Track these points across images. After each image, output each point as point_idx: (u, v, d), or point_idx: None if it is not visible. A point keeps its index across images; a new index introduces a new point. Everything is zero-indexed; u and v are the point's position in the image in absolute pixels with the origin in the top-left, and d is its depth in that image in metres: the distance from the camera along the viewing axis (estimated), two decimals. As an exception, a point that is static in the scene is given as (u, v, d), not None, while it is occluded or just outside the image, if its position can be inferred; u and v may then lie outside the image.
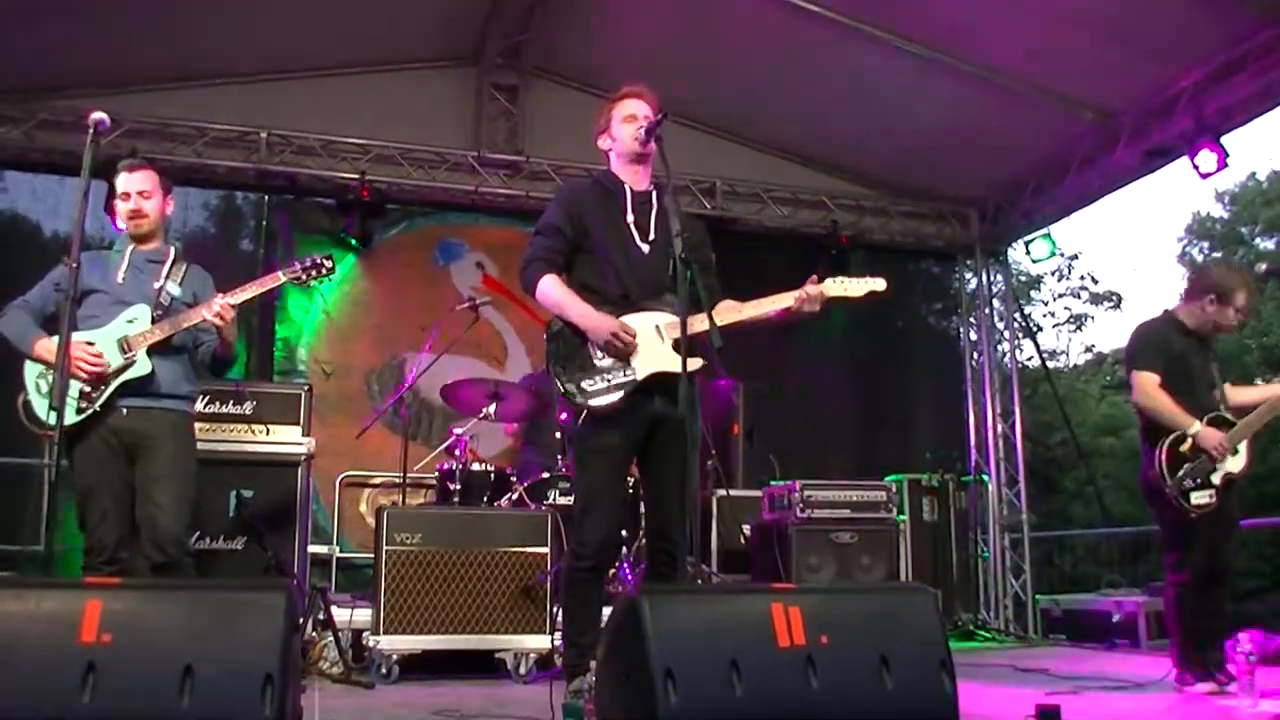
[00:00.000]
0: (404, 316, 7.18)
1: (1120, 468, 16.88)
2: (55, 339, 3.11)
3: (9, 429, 3.78)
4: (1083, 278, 23.50)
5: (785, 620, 2.28)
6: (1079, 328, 23.72)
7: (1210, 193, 23.05)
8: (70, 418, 3.27)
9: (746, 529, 6.26)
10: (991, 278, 8.70)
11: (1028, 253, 8.11)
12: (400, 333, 7.15)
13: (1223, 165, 6.20)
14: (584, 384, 3.13)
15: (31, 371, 3.47)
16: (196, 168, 6.78)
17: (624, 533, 4.82)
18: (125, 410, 3.42)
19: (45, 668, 1.90)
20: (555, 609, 4.46)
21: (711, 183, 7.74)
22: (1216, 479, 4.04)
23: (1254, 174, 21.54)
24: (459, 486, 5.04)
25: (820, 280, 3.25)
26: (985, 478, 8.05)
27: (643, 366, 3.13)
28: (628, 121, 3.30)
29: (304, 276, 3.68)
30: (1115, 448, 18.07)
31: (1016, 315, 9.10)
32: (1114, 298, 23.44)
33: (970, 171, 7.91)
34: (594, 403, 3.12)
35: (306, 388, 5.04)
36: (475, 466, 5.26)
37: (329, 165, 7.04)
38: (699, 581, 3.76)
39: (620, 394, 3.11)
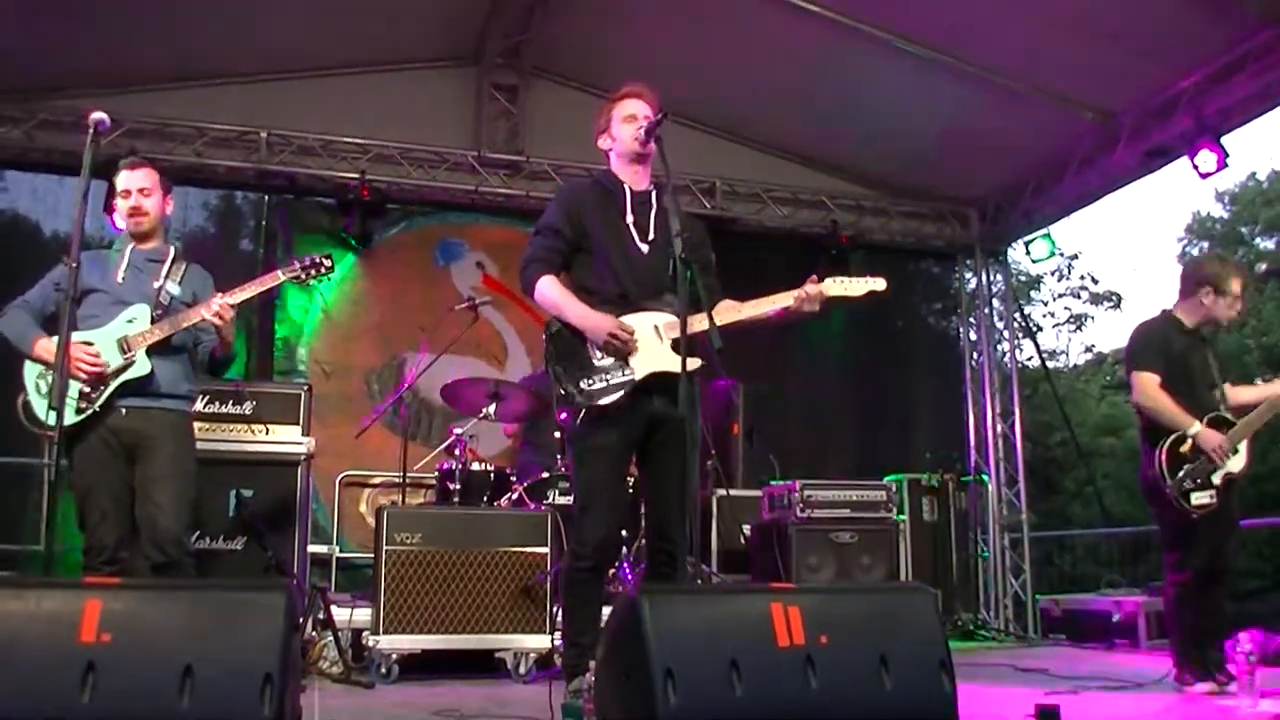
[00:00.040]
0: (404, 316, 7.18)
1: (1120, 468, 16.88)
2: (55, 339, 3.11)
3: (9, 429, 3.78)
4: (1083, 278, 23.53)
5: (785, 620, 2.28)
6: (1079, 328, 23.74)
7: (1210, 193, 23.09)
8: (70, 418, 3.26)
9: (746, 529, 6.26)
10: (991, 278, 8.70)
11: (1028, 253, 8.11)
12: (400, 333, 7.15)
13: (1223, 165, 6.21)
14: (583, 384, 3.13)
15: (31, 372, 3.47)
16: (196, 167, 6.78)
17: (624, 533, 4.82)
18: (125, 410, 3.42)
19: (45, 668, 1.91)
20: (555, 609, 4.46)
21: (711, 183, 7.75)
22: (1217, 479, 4.04)
23: (1254, 174, 21.57)
24: (459, 486, 5.04)
25: (820, 280, 3.26)
26: (985, 478, 8.05)
27: (641, 366, 3.13)
28: (628, 121, 3.30)
29: (303, 276, 3.69)
30: (1115, 448, 18.08)
31: (1016, 315, 9.10)
32: (1114, 298, 23.46)
33: (970, 171, 7.92)
34: (592, 402, 3.12)
35: (306, 387, 5.04)
36: (475, 466, 5.26)
37: (329, 165, 7.04)
38: (699, 581, 3.76)
39: (619, 394, 3.11)
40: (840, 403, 8.30)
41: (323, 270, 3.72)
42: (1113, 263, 47.35)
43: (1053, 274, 22.95)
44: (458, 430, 5.39)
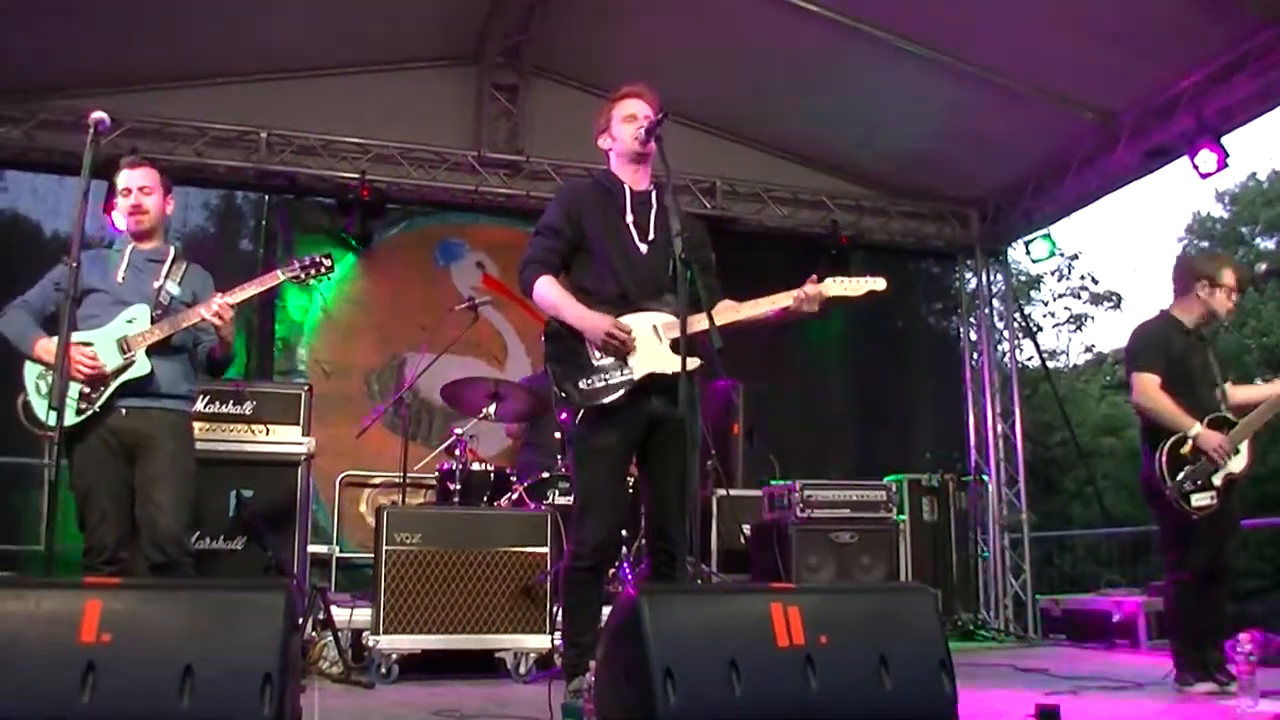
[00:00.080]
0: (404, 316, 7.17)
1: (1120, 468, 16.89)
2: (55, 339, 3.11)
3: (9, 429, 3.78)
4: (1083, 278, 23.55)
5: (784, 620, 2.28)
6: (1079, 328, 23.76)
7: (1210, 193, 23.11)
8: (70, 418, 3.26)
9: (746, 529, 6.26)
10: (991, 278, 8.70)
11: (1028, 253, 8.11)
12: (400, 333, 7.15)
13: (1223, 165, 6.20)
14: (581, 384, 3.14)
15: (31, 372, 3.47)
16: (196, 167, 6.78)
17: (624, 533, 4.82)
18: (125, 410, 3.42)
19: (45, 668, 1.91)
20: (555, 609, 4.46)
21: (712, 182, 7.75)
22: (1217, 480, 4.03)
23: (1254, 174, 21.60)
24: (459, 486, 5.03)
25: (820, 280, 3.25)
26: (985, 478, 8.06)
27: (640, 366, 3.13)
28: (628, 121, 3.30)
29: (303, 275, 3.69)
30: (1115, 448, 18.09)
31: (1016, 315, 9.10)
32: (1114, 298, 23.49)
33: (970, 171, 7.92)
34: (591, 402, 3.12)
35: (306, 387, 5.04)
36: (475, 466, 5.26)
37: (329, 165, 7.05)
38: (699, 581, 3.76)
39: (617, 393, 3.11)
40: (840, 403, 8.31)
41: (322, 270, 3.72)
42: (1113, 263, 47.40)
43: (1053, 274, 23.01)
44: (458, 430, 5.39)
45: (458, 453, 5.21)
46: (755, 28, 6.45)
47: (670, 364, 3.07)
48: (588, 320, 3.15)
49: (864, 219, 8.17)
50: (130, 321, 3.47)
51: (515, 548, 4.59)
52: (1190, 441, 4.03)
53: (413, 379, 6.21)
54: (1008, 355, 8.56)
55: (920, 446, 8.11)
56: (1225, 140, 6.18)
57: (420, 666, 4.45)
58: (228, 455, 4.65)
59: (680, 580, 3.17)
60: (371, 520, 5.49)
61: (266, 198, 7.25)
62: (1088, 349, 23.96)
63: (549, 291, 3.23)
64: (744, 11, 6.34)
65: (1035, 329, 20.43)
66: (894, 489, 6.29)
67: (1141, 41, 5.92)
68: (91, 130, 2.97)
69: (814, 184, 8.06)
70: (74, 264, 2.90)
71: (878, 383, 8.43)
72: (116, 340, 3.44)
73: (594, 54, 7.11)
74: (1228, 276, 4.24)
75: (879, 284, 3.33)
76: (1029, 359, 15.32)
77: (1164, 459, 4.05)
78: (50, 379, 3.27)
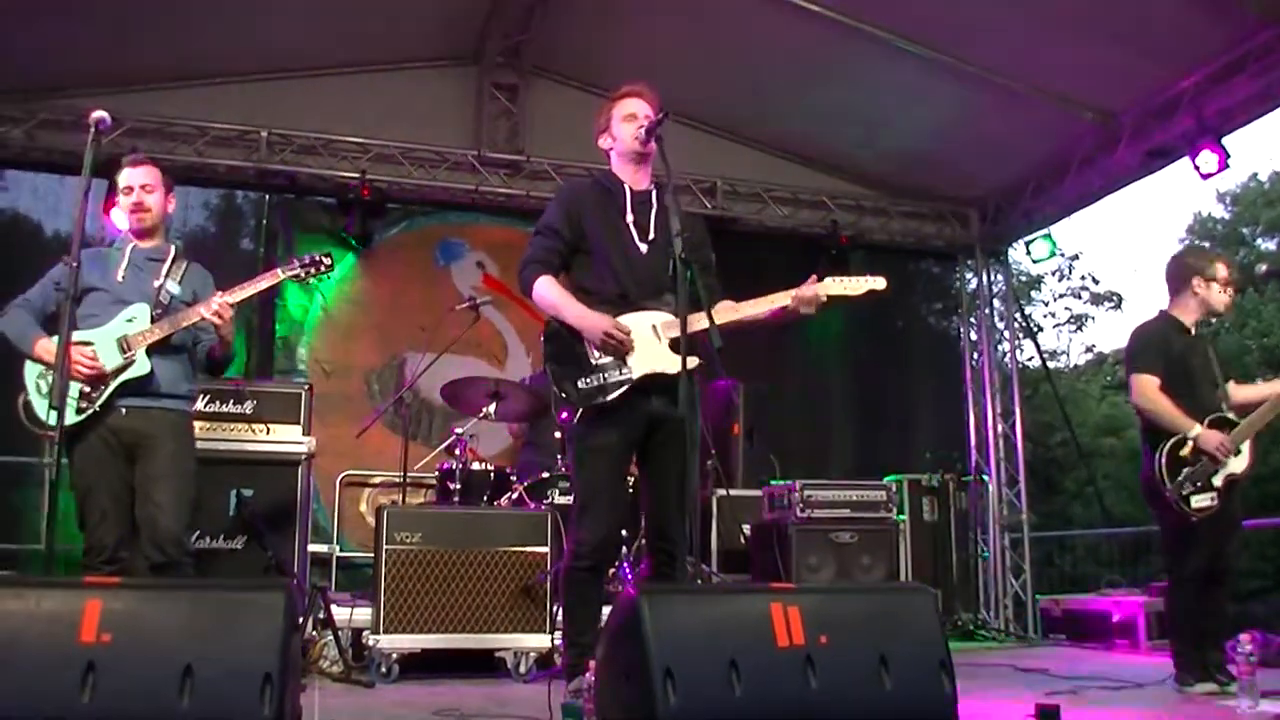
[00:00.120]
0: (404, 316, 7.17)
1: (1120, 468, 16.89)
2: (55, 339, 3.11)
3: (9, 429, 3.78)
4: (1083, 278, 23.57)
5: (784, 620, 2.28)
6: (1079, 328, 23.78)
7: (1212, 193, 23.10)
8: (70, 418, 3.26)
9: (746, 529, 6.26)
10: (992, 278, 8.70)
11: (1028, 253, 8.10)
12: (400, 332, 7.15)
13: (1224, 166, 6.20)
14: (580, 383, 3.14)
15: (31, 372, 3.47)
16: (197, 167, 6.78)
17: (624, 533, 4.82)
18: (125, 410, 3.42)
19: (45, 667, 1.91)
20: (555, 608, 4.46)
21: (712, 182, 7.74)
22: (1218, 480, 4.03)
23: (1255, 175, 21.59)
24: (459, 486, 5.04)
25: (820, 280, 3.25)
26: (985, 478, 8.05)
27: (639, 366, 3.13)
28: (628, 121, 3.30)
29: (303, 274, 3.69)
30: (1115, 448, 18.09)
31: (1017, 315, 9.10)
32: (1114, 298, 23.50)
33: (970, 171, 7.91)
34: (589, 402, 3.13)
35: (307, 387, 5.04)
36: (475, 466, 5.26)
37: (329, 164, 7.05)
38: (699, 581, 3.76)
39: (616, 393, 3.11)
40: (840, 403, 8.30)
41: (322, 268, 3.71)
42: (1113, 263, 47.40)
43: (1053, 274, 23.03)
44: (458, 430, 5.39)
45: (458, 452, 5.21)
46: (755, 28, 6.45)
47: (669, 363, 3.07)
48: (587, 320, 3.15)
49: (864, 219, 8.17)
50: (130, 320, 3.47)
51: (515, 547, 4.59)
52: (1190, 443, 4.03)
53: (413, 379, 6.20)
54: (1008, 355, 8.56)
55: (920, 446, 8.11)
56: (1226, 141, 6.18)
57: (420, 666, 4.45)
58: (228, 455, 4.65)
59: (680, 580, 3.17)
60: (371, 520, 5.50)
61: (267, 197, 7.25)
62: (1088, 349, 24.01)
63: (548, 291, 3.24)
64: (744, 11, 6.33)
65: (1036, 329, 20.47)
66: (894, 489, 6.29)
67: (1141, 41, 5.92)
68: (92, 130, 2.97)
69: (814, 184, 8.06)
70: (74, 263, 2.90)
71: (878, 383, 8.42)
72: (116, 339, 3.44)
73: (594, 54, 7.11)
74: (1219, 269, 4.24)
75: (879, 283, 3.33)
76: (1029, 359, 15.34)
77: (1163, 461, 4.05)
78: (50, 378, 3.27)
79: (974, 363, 8.71)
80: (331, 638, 4.48)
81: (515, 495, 5.14)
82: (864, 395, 8.35)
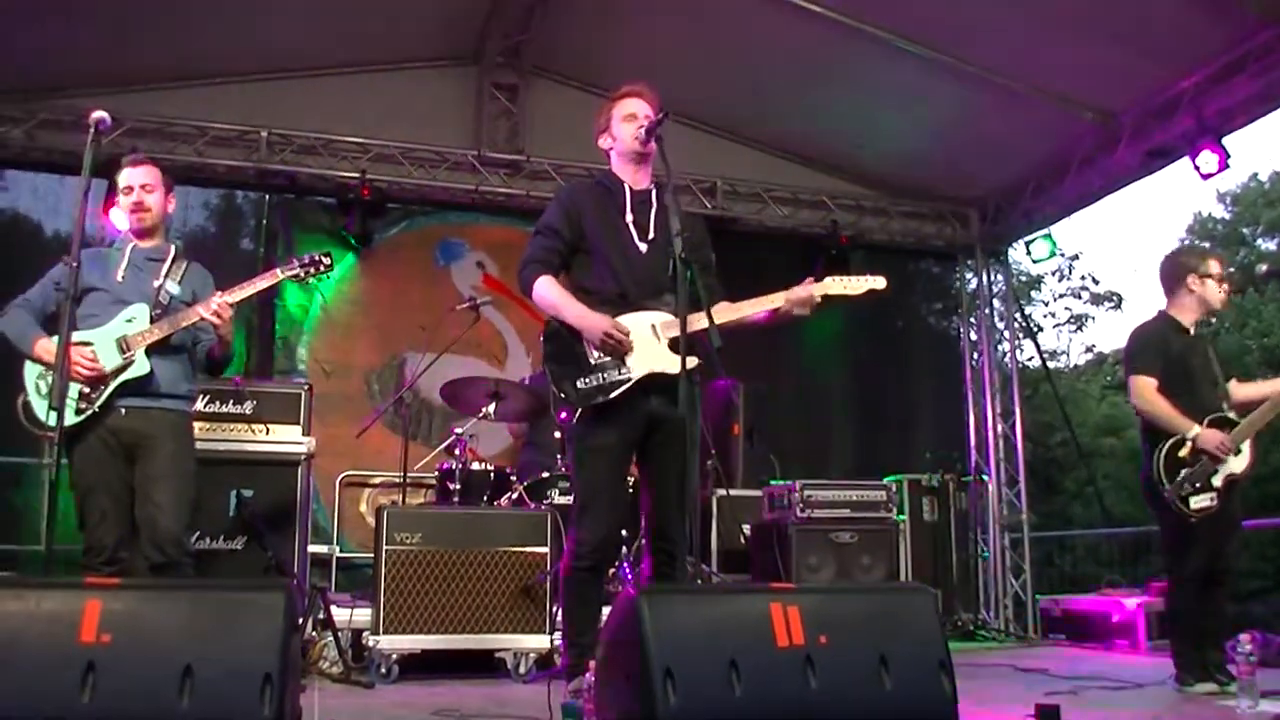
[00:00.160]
0: (404, 316, 7.17)
1: (1120, 468, 16.89)
2: (55, 339, 3.11)
3: (9, 429, 3.78)
4: (1083, 278, 23.59)
5: (784, 620, 2.28)
6: (1079, 328, 23.79)
7: (1212, 193, 23.11)
8: (70, 418, 3.26)
9: (746, 529, 6.26)
10: (992, 278, 8.70)
11: (1028, 253, 8.10)
12: (400, 332, 7.14)
13: (1224, 166, 6.20)
14: (579, 383, 3.14)
15: (31, 372, 3.47)
16: (197, 167, 6.78)
17: (624, 533, 4.82)
18: (124, 410, 3.42)
19: (45, 668, 1.90)
20: (555, 609, 4.46)
21: (712, 182, 7.74)
22: (1217, 481, 4.03)
23: (1256, 175, 21.60)
24: (459, 486, 5.04)
25: (819, 280, 3.25)
26: (985, 478, 8.06)
27: (638, 366, 3.13)
28: (628, 121, 3.30)
29: (303, 274, 3.68)
30: (1115, 448, 18.09)
31: (1017, 315, 9.10)
32: (1114, 298, 23.52)
33: (970, 171, 7.91)
34: (588, 402, 3.13)
35: (307, 387, 5.03)
36: (475, 466, 5.26)
37: (329, 164, 7.05)
38: (699, 581, 3.76)
39: (615, 393, 3.11)
40: (840, 403, 8.30)
41: (322, 268, 3.71)
42: (1113, 263, 47.41)
43: (1053, 274, 23.05)
44: (458, 430, 5.39)
45: (458, 452, 5.21)
46: (755, 28, 6.44)
47: (668, 363, 3.07)
48: (586, 320, 3.15)
49: (864, 219, 8.17)
50: (130, 321, 3.47)
51: (515, 547, 4.59)
52: (1189, 444, 4.03)
53: (413, 379, 6.20)
54: (1008, 355, 8.56)
55: (920, 446, 8.10)
56: (1226, 141, 6.18)
57: (420, 666, 4.45)
58: (228, 455, 4.65)
59: (680, 580, 3.17)
60: (371, 520, 5.49)
61: (267, 197, 7.24)
62: (1088, 349, 24.03)
63: (548, 291, 3.24)
64: (744, 11, 6.33)
65: (1036, 329, 20.47)
66: (894, 489, 6.28)
67: (1141, 41, 5.91)
68: (92, 129, 2.97)
69: (814, 184, 8.06)
70: (74, 263, 2.90)
71: (878, 383, 8.43)
72: (116, 340, 3.43)
73: (594, 54, 7.11)
74: (1213, 265, 4.25)
75: (879, 283, 3.33)
76: (1029, 359, 15.35)
77: (1162, 461, 4.05)
78: (50, 379, 3.27)
79: (974, 363, 8.71)
80: (331, 638, 4.48)
81: (515, 495, 5.14)
82: (864, 395, 8.35)
